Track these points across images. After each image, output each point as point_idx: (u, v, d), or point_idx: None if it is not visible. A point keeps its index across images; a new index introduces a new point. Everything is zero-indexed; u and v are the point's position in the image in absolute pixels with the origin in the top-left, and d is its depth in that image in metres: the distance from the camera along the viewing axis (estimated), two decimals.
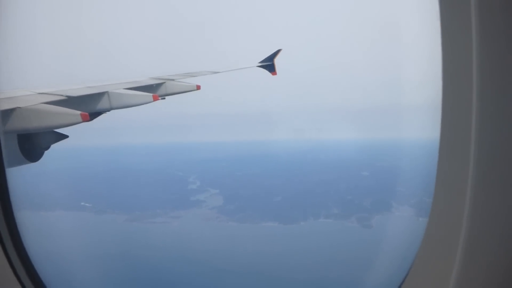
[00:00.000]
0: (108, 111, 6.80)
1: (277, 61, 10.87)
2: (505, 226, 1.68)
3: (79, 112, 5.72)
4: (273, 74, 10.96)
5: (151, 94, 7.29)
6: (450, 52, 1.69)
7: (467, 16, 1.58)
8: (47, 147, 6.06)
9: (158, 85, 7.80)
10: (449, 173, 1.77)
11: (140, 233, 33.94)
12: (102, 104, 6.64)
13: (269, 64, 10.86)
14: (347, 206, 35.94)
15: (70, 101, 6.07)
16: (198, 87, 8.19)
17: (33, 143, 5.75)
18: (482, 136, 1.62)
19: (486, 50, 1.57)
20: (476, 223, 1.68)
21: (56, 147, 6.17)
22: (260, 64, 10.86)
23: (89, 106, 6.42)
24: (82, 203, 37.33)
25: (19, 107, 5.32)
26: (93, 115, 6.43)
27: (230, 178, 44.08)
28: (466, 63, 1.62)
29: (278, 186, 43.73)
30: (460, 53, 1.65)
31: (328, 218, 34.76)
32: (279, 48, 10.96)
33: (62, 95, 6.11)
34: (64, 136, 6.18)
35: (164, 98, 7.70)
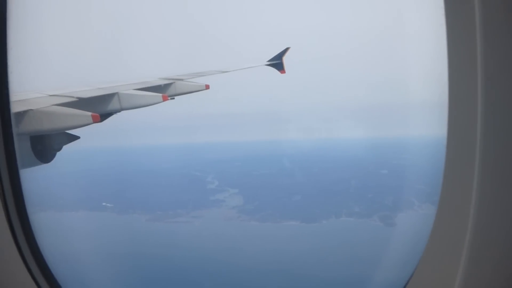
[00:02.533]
0: (119, 112, 6.92)
1: (285, 59, 10.88)
2: None
3: (90, 113, 5.84)
4: (282, 73, 10.94)
5: (161, 95, 7.39)
6: (456, 49, 1.70)
7: (471, 14, 1.59)
8: (59, 148, 6.20)
9: (167, 85, 7.88)
10: (456, 171, 1.77)
11: (164, 233, 34.24)
12: (113, 105, 6.75)
13: (277, 63, 10.85)
14: (368, 205, 35.51)
15: (81, 103, 6.19)
16: (207, 87, 8.26)
17: (45, 144, 5.88)
18: (489, 132, 1.62)
19: (491, 47, 1.58)
20: (482, 220, 1.69)
21: (68, 148, 6.31)
22: (268, 63, 10.86)
23: (100, 107, 6.54)
24: (104, 204, 38.00)
25: (31, 109, 5.47)
26: (104, 116, 6.56)
27: (247, 177, 44.10)
28: (471, 61, 1.62)
29: (296, 185, 43.54)
30: (465, 51, 1.65)
31: (350, 216, 34.36)
32: (287, 47, 11.00)
33: (73, 97, 6.24)
34: (76, 137, 6.31)
35: (174, 98, 7.78)
